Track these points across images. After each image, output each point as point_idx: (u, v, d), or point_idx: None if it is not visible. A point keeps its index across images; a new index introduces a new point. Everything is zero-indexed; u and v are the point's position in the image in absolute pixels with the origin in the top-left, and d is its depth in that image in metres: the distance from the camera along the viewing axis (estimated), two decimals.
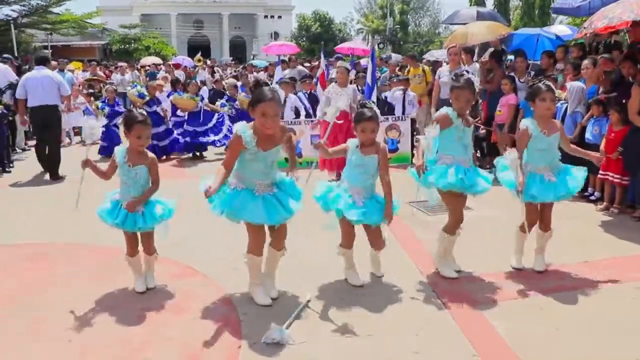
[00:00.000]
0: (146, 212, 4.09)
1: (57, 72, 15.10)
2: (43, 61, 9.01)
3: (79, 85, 14.40)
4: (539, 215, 4.53)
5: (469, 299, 4.10)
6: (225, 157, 3.96)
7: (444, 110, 4.30)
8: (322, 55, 11.26)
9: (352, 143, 4.24)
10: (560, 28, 13.53)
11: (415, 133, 9.35)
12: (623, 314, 3.85)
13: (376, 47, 48.82)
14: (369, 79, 9.34)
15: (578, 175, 4.41)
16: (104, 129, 10.62)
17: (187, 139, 10.42)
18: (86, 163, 4.04)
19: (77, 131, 12.88)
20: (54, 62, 18.20)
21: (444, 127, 4.19)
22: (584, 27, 7.42)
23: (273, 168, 3.92)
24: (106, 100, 10.88)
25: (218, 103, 10.63)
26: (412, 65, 11.43)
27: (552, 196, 4.34)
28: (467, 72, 5.02)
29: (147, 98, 10.56)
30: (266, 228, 4.03)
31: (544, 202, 4.42)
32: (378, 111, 4.29)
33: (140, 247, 4.25)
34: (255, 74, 18.03)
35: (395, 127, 9.52)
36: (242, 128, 3.76)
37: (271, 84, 5.84)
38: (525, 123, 4.44)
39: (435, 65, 11.68)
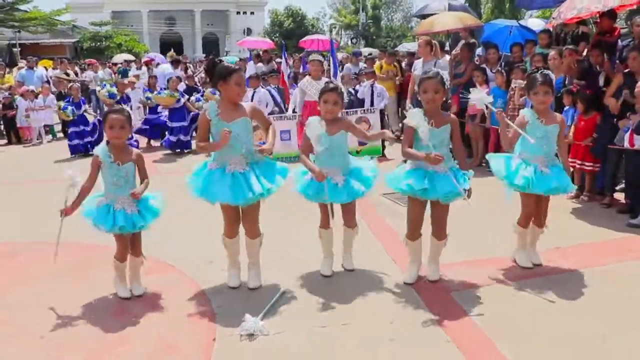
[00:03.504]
0: (142, 209, 3.94)
1: (26, 70, 15.06)
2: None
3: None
4: (535, 207, 4.42)
5: (442, 286, 4.15)
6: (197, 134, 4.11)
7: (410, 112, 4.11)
8: (283, 55, 11.16)
9: (316, 125, 4.12)
10: (533, 22, 13.68)
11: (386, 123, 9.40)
12: (591, 298, 3.94)
13: (349, 42, 49.19)
14: (331, 74, 9.38)
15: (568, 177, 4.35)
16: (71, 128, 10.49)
17: (170, 136, 10.36)
18: (65, 212, 3.84)
19: (48, 130, 12.68)
20: (22, 60, 17.93)
21: (411, 130, 4.01)
22: (553, 18, 7.54)
23: (241, 142, 3.93)
24: (71, 99, 10.69)
25: (192, 98, 10.56)
26: (387, 62, 11.54)
27: (543, 188, 4.23)
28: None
29: (118, 97, 10.46)
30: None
31: (534, 193, 4.29)
32: (342, 87, 4.32)
33: None
34: None
35: (365, 120, 9.51)
36: (210, 103, 4.04)
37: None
38: (523, 112, 4.42)
39: (411, 58, 11.77)
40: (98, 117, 10.92)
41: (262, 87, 9.97)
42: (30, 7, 34.65)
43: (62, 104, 10.57)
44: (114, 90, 10.63)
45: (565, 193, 4.55)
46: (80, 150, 10.32)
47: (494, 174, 4.40)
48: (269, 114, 9.53)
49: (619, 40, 7.38)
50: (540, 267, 4.47)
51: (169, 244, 5.03)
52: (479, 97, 4.21)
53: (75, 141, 10.37)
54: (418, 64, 9.06)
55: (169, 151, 10.44)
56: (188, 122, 10.43)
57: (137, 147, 9.72)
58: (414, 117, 3.91)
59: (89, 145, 10.25)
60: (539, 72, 4.37)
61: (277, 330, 3.50)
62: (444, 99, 4.19)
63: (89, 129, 10.55)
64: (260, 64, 13.89)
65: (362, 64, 13.66)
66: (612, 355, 3.22)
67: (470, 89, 4.35)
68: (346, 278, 4.34)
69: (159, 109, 10.94)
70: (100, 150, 3.92)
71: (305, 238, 4.57)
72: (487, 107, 4.25)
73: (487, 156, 4.57)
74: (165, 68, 14.27)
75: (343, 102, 4.25)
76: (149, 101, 10.78)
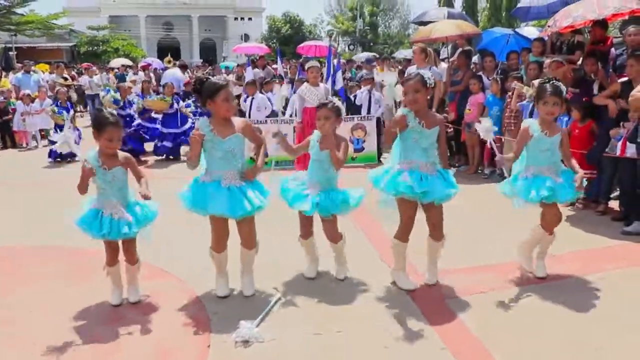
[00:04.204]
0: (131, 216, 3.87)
1: (22, 73, 15.03)
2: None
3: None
4: (559, 214, 4.36)
5: (437, 293, 4.15)
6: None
7: (400, 111, 4.11)
8: (278, 60, 11.21)
9: (315, 136, 4.29)
10: (529, 30, 13.75)
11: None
12: (587, 305, 3.94)
13: (347, 49, 49.30)
14: (324, 79, 9.41)
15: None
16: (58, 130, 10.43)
17: (162, 141, 10.35)
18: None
19: (43, 134, 12.63)
20: (18, 64, 17.95)
21: (401, 130, 4.01)
22: (549, 26, 7.60)
23: (235, 157, 3.94)
24: (59, 103, 10.65)
25: (182, 104, 10.53)
26: (380, 67, 11.56)
27: (561, 198, 4.21)
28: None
29: (121, 103, 10.47)
30: (234, 225, 4.05)
31: (553, 202, 4.23)
32: (338, 103, 4.32)
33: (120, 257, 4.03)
34: (225, 76, 17.94)
35: (361, 126, 9.54)
36: (201, 120, 4.00)
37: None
38: (526, 122, 4.37)
39: (407, 64, 11.80)
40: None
41: (261, 93, 9.99)
42: (27, 11, 34.65)
43: (55, 108, 10.53)
44: (118, 96, 10.64)
45: (578, 196, 4.45)
46: (56, 156, 10.16)
47: (512, 197, 4.32)
48: (267, 116, 9.56)
49: (613, 49, 7.43)
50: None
51: (164, 250, 5.02)
52: (486, 128, 4.20)
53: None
54: (412, 71, 9.09)
55: (161, 157, 10.42)
56: (182, 129, 10.41)
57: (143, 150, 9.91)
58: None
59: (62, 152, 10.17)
60: (550, 82, 4.26)
61: (272, 337, 3.49)
62: (432, 97, 4.23)
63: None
64: (257, 70, 13.92)
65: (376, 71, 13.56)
66: None
67: (480, 119, 4.34)
68: (341, 285, 4.34)
69: (153, 113, 10.92)
70: (90, 156, 3.86)
71: (297, 245, 4.57)
72: (492, 143, 4.25)
73: (500, 189, 4.47)
74: (175, 72, 14.15)
75: (339, 119, 4.26)
76: (137, 105, 10.75)
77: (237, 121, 4.06)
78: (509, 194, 4.36)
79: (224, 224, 4.02)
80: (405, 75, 4.34)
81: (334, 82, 9.48)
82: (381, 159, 9.55)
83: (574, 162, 4.36)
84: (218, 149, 3.90)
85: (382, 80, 10.06)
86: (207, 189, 3.89)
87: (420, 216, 4.19)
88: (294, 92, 9.44)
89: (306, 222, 4.36)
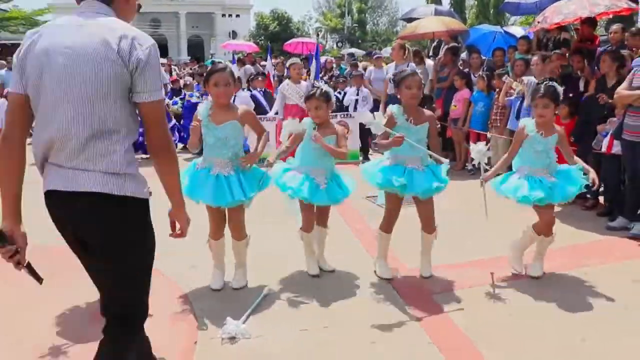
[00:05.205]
0: None
1: (6, 71, 14.85)
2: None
3: None
4: (553, 216, 4.30)
5: (424, 289, 4.17)
6: None
7: (389, 109, 4.16)
8: (268, 56, 11.19)
9: (308, 125, 4.26)
10: (515, 29, 13.85)
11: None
12: (573, 300, 3.97)
13: (335, 46, 49.27)
14: (312, 75, 9.40)
15: (578, 178, 4.17)
16: None
17: (142, 138, 10.27)
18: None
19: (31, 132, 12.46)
20: (2, 62, 17.75)
21: (390, 127, 4.04)
22: (538, 22, 7.64)
23: (228, 146, 3.94)
24: None
25: (170, 102, 10.46)
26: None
27: (555, 198, 4.14)
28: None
29: None
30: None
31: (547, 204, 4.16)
32: (325, 87, 4.39)
33: None
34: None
35: (343, 124, 9.48)
36: (203, 104, 4.05)
37: None
38: (523, 122, 4.34)
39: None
40: None
41: (249, 90, 9.93)
42: (10, 7, 34.16)
43: None
44: None
45: (571, 198, 4.34)
46: None
47: (505, 196, 4.29)
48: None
49: (599, 48, 7.51)
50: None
51: None
52: (479, 151, 4.19)
53: None
54: (390, 68, 9.13)
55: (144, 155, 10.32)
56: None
57: None
58: (364, 117, 4.15)
59: None
60: (544, 83, 4.24)
61: (259, 334, 3.48)
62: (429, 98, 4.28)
63: None
64: (248, 66, 13.90)
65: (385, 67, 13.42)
66: (591, 357, 3.25)
67: (472, 145, 4.35)
68: (328, 280, 4.34)
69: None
70: None
71: (285, 239, 4.57)
72: (483, 165, 4.28)
73: (493, 187, 4.38)
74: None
75: (329, 103, 4.28)
76: None
77: (238, 109, 4.07)
78: (500, 193, 4.32)
79: (219, 210, 4.03)
80: (402, 70, 4.36)
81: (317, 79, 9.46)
82: (369, 155, 9.55)
83: (577, 159, 4.29)
84: (211, 135, 3.93)
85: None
86: (199, 176, 3.94)
87: (412, 211, 4.26)
88: None
89: (311, 214, 4.32)
